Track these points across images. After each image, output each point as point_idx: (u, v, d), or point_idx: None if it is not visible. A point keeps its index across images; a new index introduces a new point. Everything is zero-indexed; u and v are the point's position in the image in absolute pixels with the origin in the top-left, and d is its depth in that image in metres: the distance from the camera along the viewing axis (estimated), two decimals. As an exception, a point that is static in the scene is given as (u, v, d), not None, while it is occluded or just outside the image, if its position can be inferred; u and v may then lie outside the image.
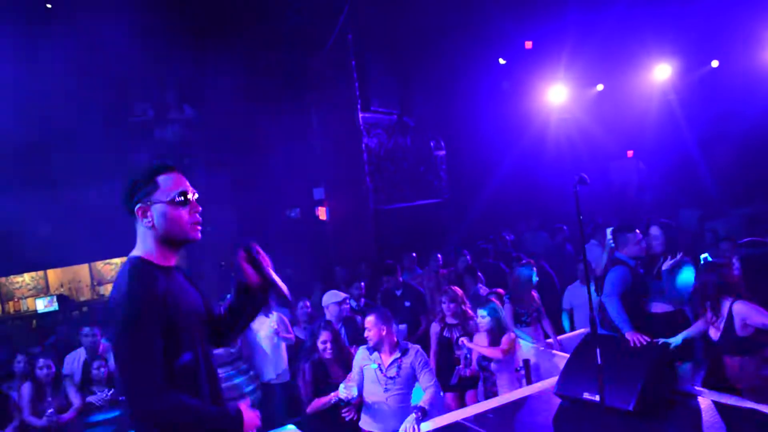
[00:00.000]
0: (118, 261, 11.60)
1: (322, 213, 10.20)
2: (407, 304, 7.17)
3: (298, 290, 8.46)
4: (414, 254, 8.84)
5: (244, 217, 10.65)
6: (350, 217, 10.42)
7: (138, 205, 2.36)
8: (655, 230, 5.42)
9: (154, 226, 2.36)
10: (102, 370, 6.03)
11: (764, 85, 12.36)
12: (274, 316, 6.54)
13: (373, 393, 4.71)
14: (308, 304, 7.12)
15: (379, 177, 11.51)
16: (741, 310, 4.25)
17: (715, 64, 13.27)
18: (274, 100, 10.51)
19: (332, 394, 4.77)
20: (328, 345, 5.03)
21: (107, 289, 11.49)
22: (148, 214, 2.36)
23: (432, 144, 12.71)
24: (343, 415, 4.73)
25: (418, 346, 4.84)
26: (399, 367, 4.68)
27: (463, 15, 11.45)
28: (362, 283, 7.58)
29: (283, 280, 2.60)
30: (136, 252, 2.39)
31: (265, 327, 6.45)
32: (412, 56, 12.15)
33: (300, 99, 10.46)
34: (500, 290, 6.54)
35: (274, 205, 10.52)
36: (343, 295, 6.34)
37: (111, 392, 5.91)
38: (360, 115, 10.67)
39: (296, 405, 6.22)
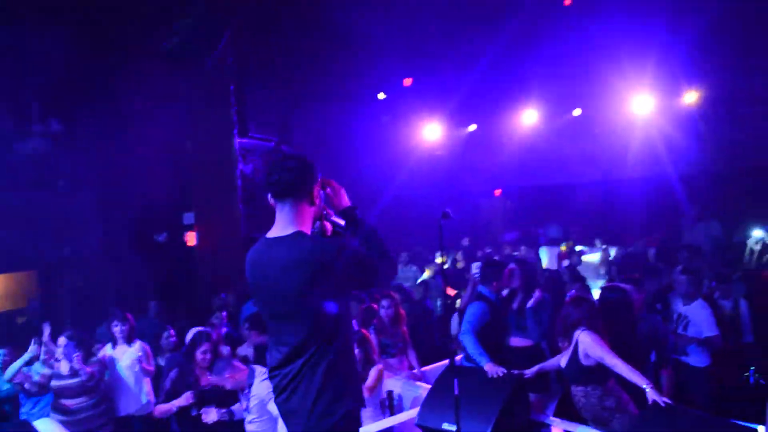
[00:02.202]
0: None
1: (191, 238, 9.87)
2: None
3: (162, 318, 8.14)
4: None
5: (109, 238, 10.14)
6: (221, 244, 10.16)
7: (314, 186, 2.85)
8: (512, 266, 5.68)
9: (315, 205, 2.88)
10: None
11: (621, 133, 13.39)
12: (137, 345, 6.25)
13: None
14: (173, 333, 6.84)
15: (254, 204, 11.33)
16: (584, 340, 4.41)
17: (577, 112, 14.23)
18: (147, 119, 10.14)
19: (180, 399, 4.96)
20: (208, 355, 5.16)
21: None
22: (318, 194, 2.89)
23: (309, 173, 12.69)
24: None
25: (265, 372, 4.95)
26: (248, 400, 4.91)
27: (346, 48, 11.62)
28: (224, 313, 7.37)
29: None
30: (295, 228, 2.81)
31: (126, 357, 6.15)
32: (294, 85, 12.15)
33: (175, 121, 10.16)
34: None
35: (141, 228, 10.09)
36: None
37: None
38: (237, 140, 10.50)
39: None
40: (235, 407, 5.03)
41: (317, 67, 12.09)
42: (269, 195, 2.86)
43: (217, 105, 10.36)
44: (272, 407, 4.80)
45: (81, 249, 9.76)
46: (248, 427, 4.95)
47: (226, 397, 5.08)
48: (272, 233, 2.85)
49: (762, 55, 13.20)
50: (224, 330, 7.12)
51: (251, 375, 4.98)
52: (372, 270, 2.79)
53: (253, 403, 4.89)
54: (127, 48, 9.67)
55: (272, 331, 2.89)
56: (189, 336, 6.02)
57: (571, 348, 4.51)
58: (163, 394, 5.20)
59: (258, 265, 2.83)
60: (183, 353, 5.37)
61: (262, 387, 4.88)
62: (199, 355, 5.16)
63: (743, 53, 13.51)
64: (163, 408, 5.13)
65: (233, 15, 10.00)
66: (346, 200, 3.02)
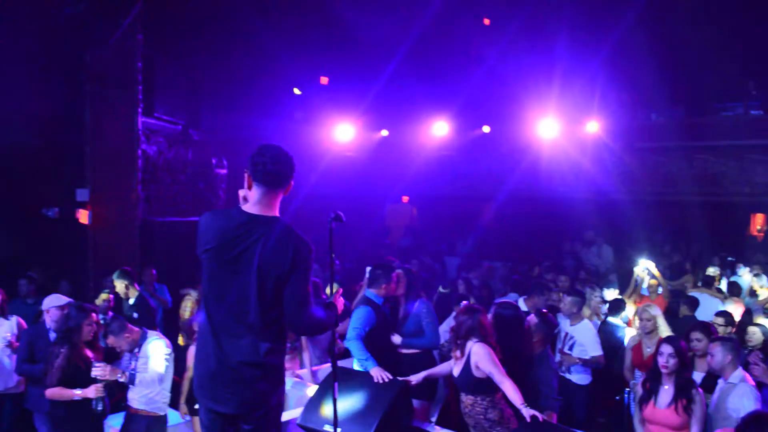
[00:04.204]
0: None
1: (83, 216, 9.39)
2: (135, 315, 6.78)
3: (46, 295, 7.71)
4: (154, 270, 8.76)
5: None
6: (116, 225, 9.72)
7: (291, 180, 3.17)
8: (399, 272, 5.64)
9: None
10: None
11: (524, 153, 13.83)
12: (13, 320, 5.95)
13: None
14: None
15: (154, 187, 10.93)
16: (477, 351, 4.47)
17: (486, 129, 14.60)
18: (43, 87, 9.55)
19: (78, 392, 4.74)
20: (94, 327, 4.99)
21: None
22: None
23: (214, 161, 12.39)
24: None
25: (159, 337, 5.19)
26: (137, 360, 5.08)
27: (262, 40, 11.42)
28: (111, 296, 7.09)
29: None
30: (275, 213, 3.13)
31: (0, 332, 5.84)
32: (206, 69, 11.83)
33: (75, 92, 9.61)
34: None
35: (31, 202, 9.53)
36: (65, 299, 5.88)
37: None
38: (141, 119, 10.08)
39: (29, 417, 5.72)
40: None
41: (233, 56, 11.83)
42: (251, 176, 3.09)
43: (124, 81, 9.89)
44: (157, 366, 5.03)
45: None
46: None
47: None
48: (249, 209, 3.10)
49: (658, 93, 13.98)
50: (110, 314, 6.83)
51: (143, 336, 5.10)
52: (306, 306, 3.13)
53: (141, 362, 5.04)
54: (28, 16, 9.08)
55: (223, 295, 3.10)
56: (46, 302, 5.74)
57: (464, 358, 4.58)
58: (59, 370, 4.82)
59: (229, 230, 3.05)
60: (65, 330, 5.02)
61: (152, 347, 5.07)
62: (85, 327, 4.91)
63: (642, 90, 14.29)
64: (60, 393, 4.79)
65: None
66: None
